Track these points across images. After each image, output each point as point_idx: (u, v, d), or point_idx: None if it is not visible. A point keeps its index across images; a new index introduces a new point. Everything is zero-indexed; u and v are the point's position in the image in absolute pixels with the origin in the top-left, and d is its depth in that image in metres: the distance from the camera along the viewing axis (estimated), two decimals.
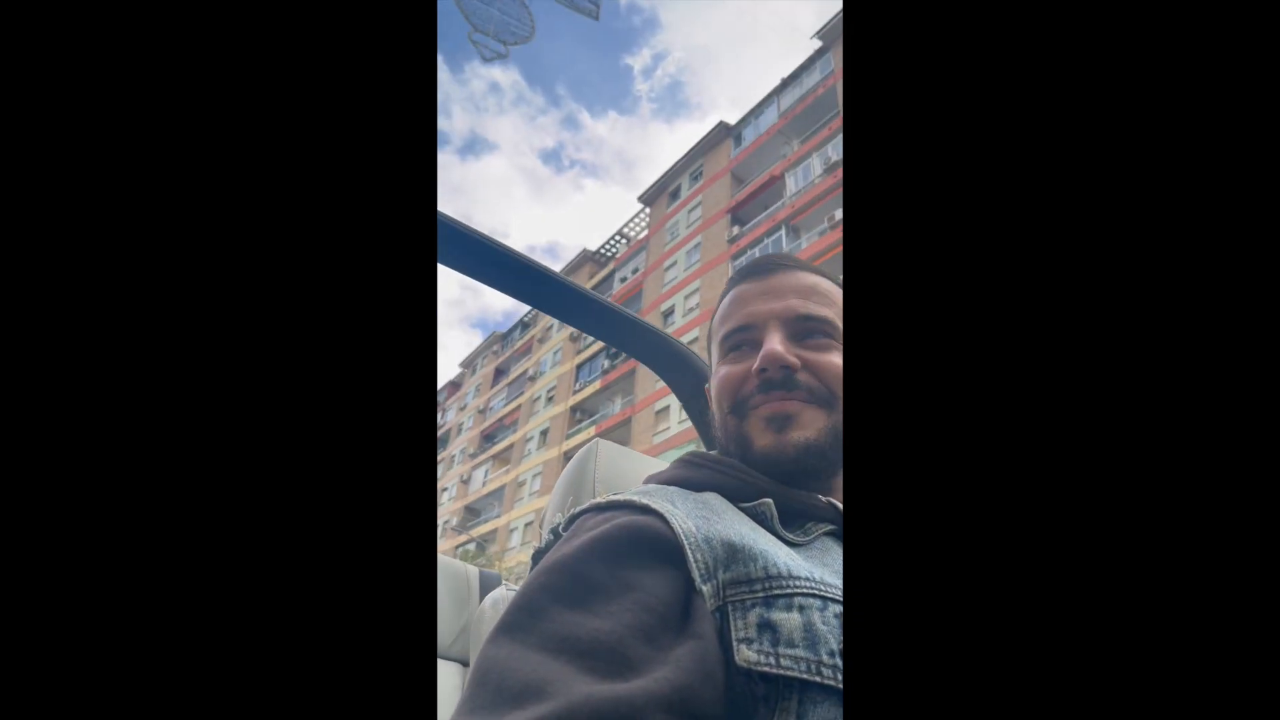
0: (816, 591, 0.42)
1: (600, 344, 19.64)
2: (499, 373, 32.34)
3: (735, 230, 20.01)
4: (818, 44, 19.49)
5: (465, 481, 30.27)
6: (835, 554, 0.49)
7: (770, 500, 0.51)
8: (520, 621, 0.38)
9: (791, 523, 0.52)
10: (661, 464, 0.78)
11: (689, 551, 0.43)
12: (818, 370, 0.56)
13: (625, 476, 0.75)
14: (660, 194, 25.33)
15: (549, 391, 26.29)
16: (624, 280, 25.49)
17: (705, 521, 0.45)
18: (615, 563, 0.41)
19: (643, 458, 0.81)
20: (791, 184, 18.32)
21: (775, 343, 0.57)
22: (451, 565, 1.17)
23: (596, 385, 23.05)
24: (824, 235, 16.26)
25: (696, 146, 23.59)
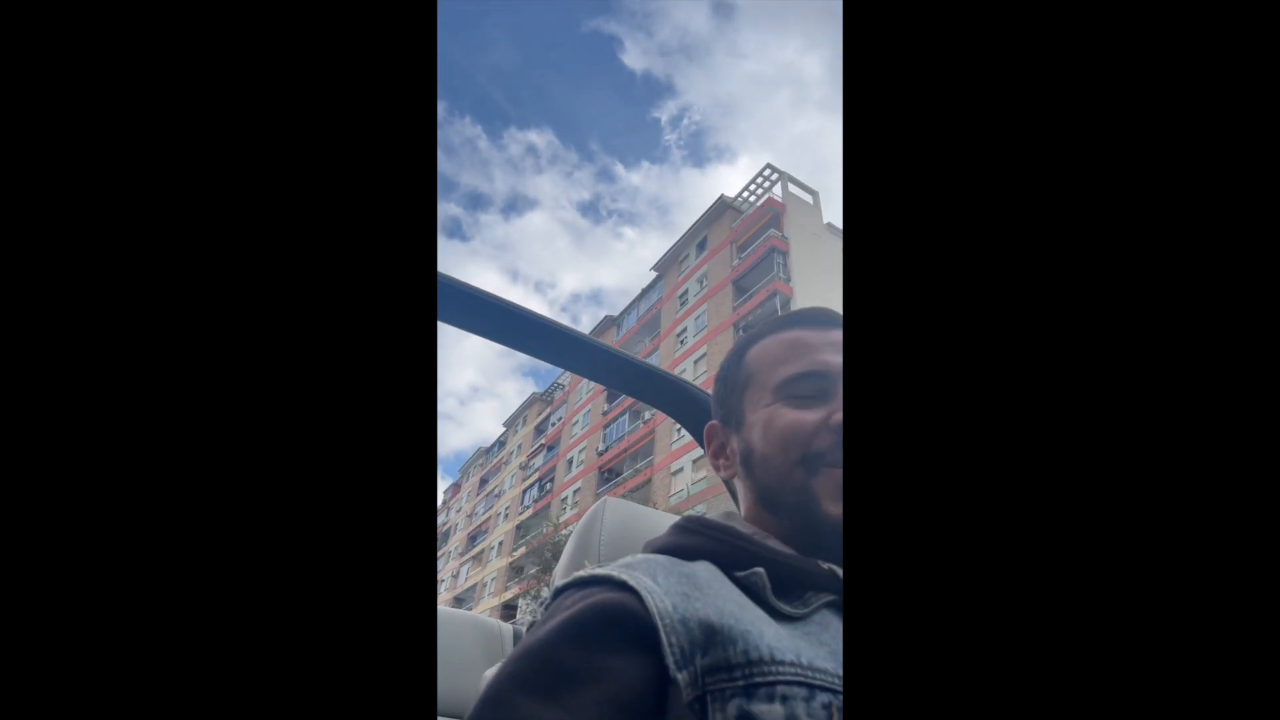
0: (802, 679, 0.39)
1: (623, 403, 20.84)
2: (538, 431, 34.87)
3: None
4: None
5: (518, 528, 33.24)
6: (834, 629, 0.46)
7: (762, 571, 0.47)
8: (485, 715, 0.37)
9: (789, 593, 0.48)
10: (669, 519, 0.73)
11: (664, 635, 0.40)
12: None
13: (632, 536, 0.72)
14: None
15: (580, 453, 28.85)
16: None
17: (686, 599, 0.43)
18: (586, 648, 0.40)
19: (652, 515, 0.77)
20: None
21: None
22: (485, 623, 1.17)
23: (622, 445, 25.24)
24: None
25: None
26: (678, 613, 0.41)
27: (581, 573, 0.47)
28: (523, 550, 26.94)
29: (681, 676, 0.39)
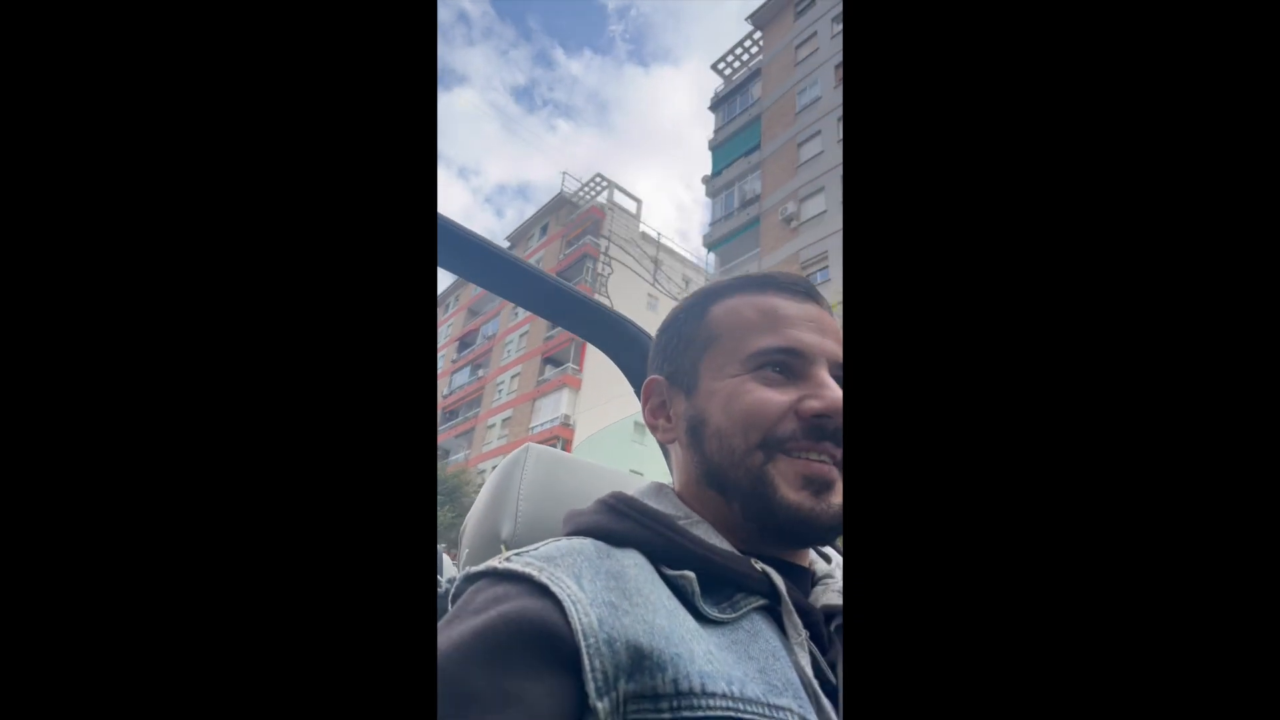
0: (732, 713, 0.37)
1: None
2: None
3: None
4: None
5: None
6: (764, 640, 0.44)
7: (693, 575, 0.44)
8: None
9: (718, 593, 0.45)
10: (602, 474, 0.71)
11: (586, 659, 0.37)
12: None
13: (556, 490, 0.67)
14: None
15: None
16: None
17: (613, 611, 0.40)
18: (497, 667, 0.36)
19: (579, 465, 0.71)
20: None
21: (836, 388, 0.50)
22: None
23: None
24: None
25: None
26: (603, 630, 0.38)
27: (496, 563, 0.44)
28: None
29: (601, 705, 0.36)
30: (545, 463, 0.69)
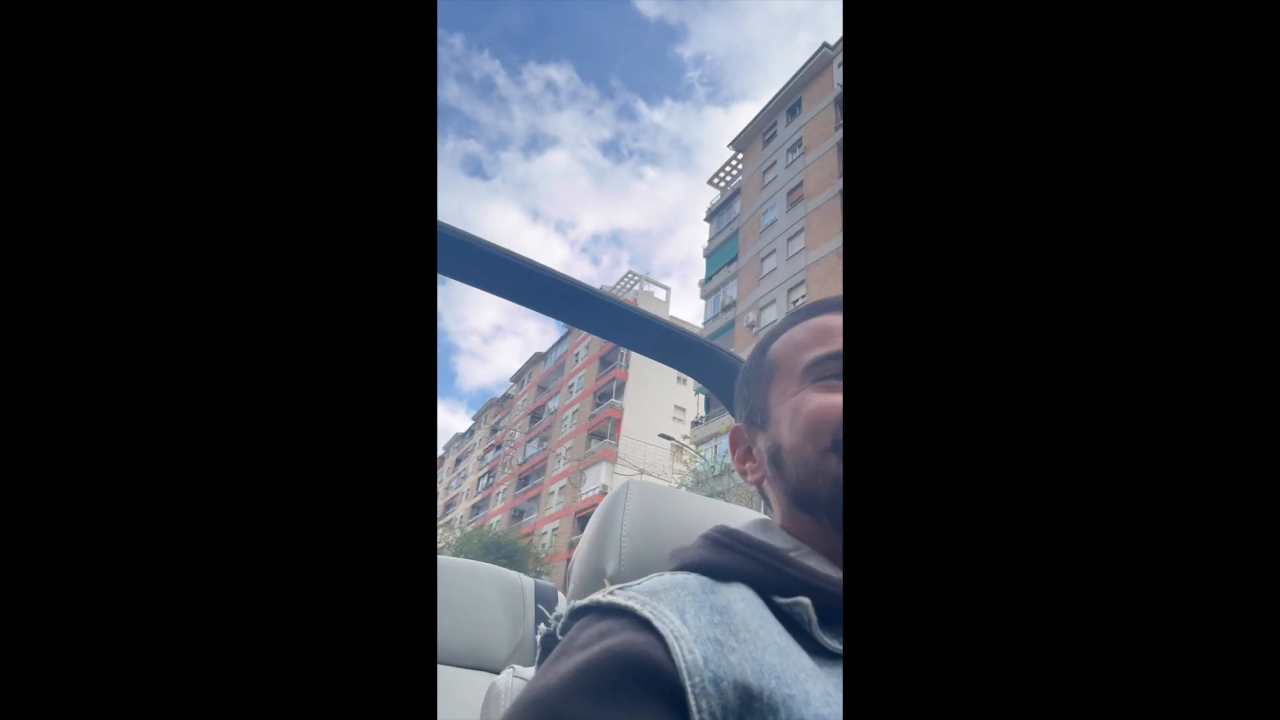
0: None
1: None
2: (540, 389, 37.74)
3: None
4: None
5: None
6: None
7: (808, 601, 0.42)
8: None
9: (836, 624, 0.43)
10: (705, 507, 0.70)
11: (692, 699, 0.35)
12: None
13: (657, 524, 0.65)
14: None
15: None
16: None
17: (719, 649, 0.37)
18: (603, 703, 0.35)
19: (679, 498, 0.70)
20: None
21: None
22: (506, 577, 1.15)
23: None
24: None
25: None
26: (709, 669, 0.36)
27: (600, 596, 0.43)
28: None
29: None
30: (646, 497, 0.68)
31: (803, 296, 17.99)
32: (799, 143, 20.50)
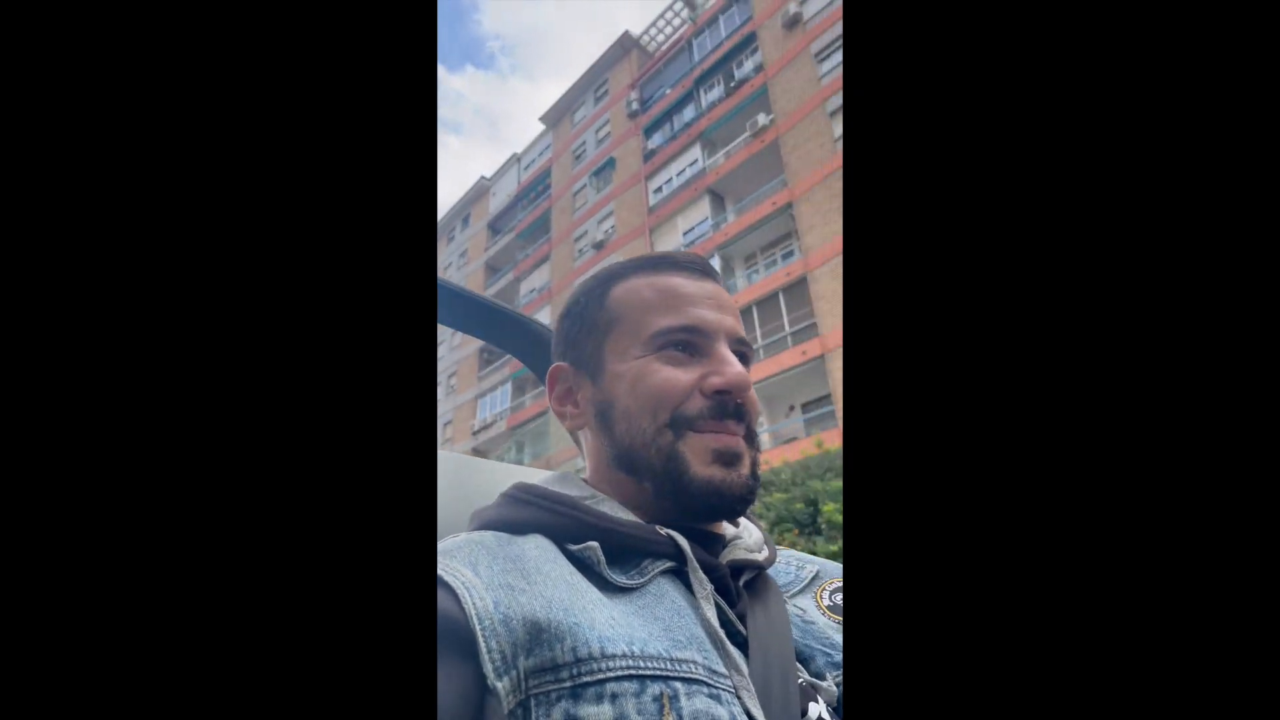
0: (634, 671, 0.38)
1: None
2: None
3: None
4: None
5: None
6: (670, 600, 0.45)
7: (596, 544, 0.46)
8: None
9: (626, 561, 0.47)
10: (512, 471, 0.72)
11: (482, 640, 0.38)
12: (753, 406, 0.53)
13: (464, 493, 0.67)
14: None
15: None
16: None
17: (509, 592, 0.40)
18: None
19: (486, 467, 0.72)
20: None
21: (738, 364, 0.52)
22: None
23: None
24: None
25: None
26: (499, 611, 0.39)
27: None
28: None
29: (501, 685, 0.37)
30: (450, 468, 0.69)
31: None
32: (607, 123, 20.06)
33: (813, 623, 0.54)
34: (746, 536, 0.56)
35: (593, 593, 0.43)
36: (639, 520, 0.50)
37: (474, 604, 0.39)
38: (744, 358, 0.55)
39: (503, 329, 0.88)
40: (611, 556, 0.47)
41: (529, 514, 0.49)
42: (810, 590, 0.58)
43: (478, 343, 21.38)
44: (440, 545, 0.45)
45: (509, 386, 19.87)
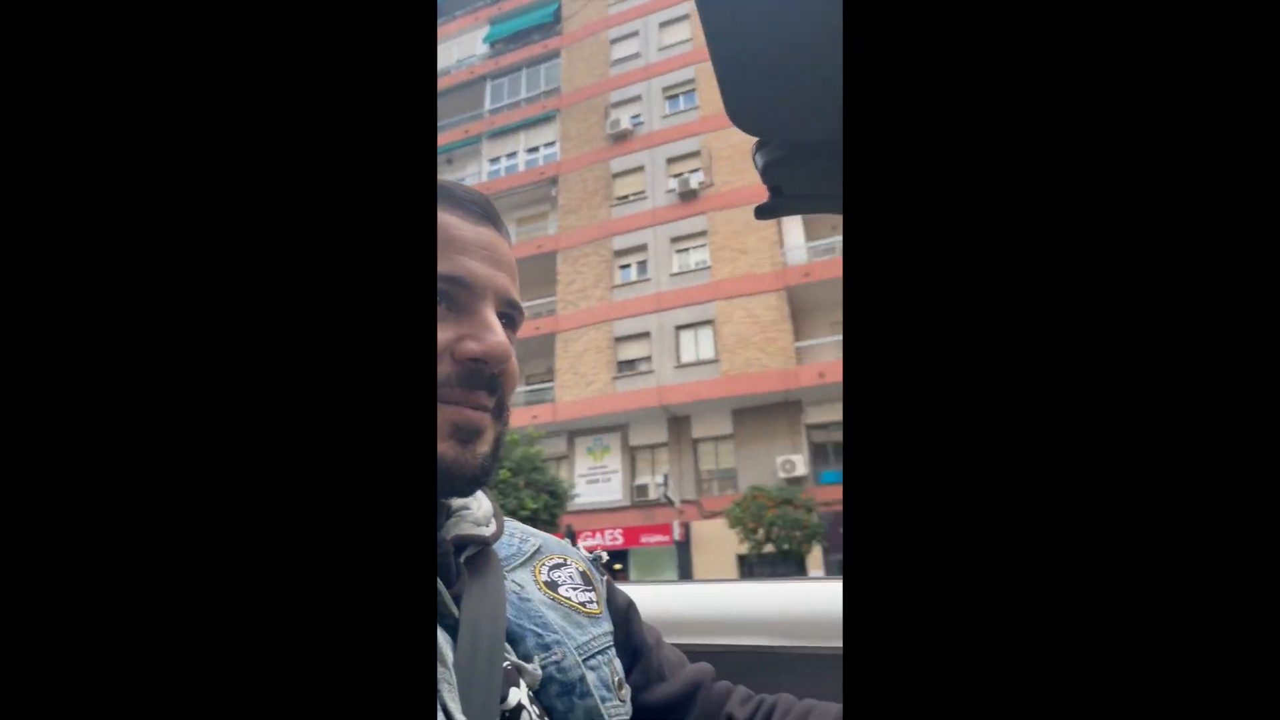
0: None
1: None
2: None
3: None
4: None
5: None
6: None
7: None
8: None
9: None
10: None
11: None
12: (510, 379, 0.48)
13: None
14: None
15: None
16: None
17: None
18: None
19: None
20: None
21: (500, 331, 0.46)
22: None
23: None
24: None
25: None
26: None
27: None
28: None
29: None
30: None
31: None
32: None
33: (529, 600, 0.53)
34: (475, 508, 0.53)
35: None
36: None
37: None
38: (511, 321, 0.49)
39: None
40: None
41: None
42: (530, 565, 0.57)
43: None
44: None
45: None
